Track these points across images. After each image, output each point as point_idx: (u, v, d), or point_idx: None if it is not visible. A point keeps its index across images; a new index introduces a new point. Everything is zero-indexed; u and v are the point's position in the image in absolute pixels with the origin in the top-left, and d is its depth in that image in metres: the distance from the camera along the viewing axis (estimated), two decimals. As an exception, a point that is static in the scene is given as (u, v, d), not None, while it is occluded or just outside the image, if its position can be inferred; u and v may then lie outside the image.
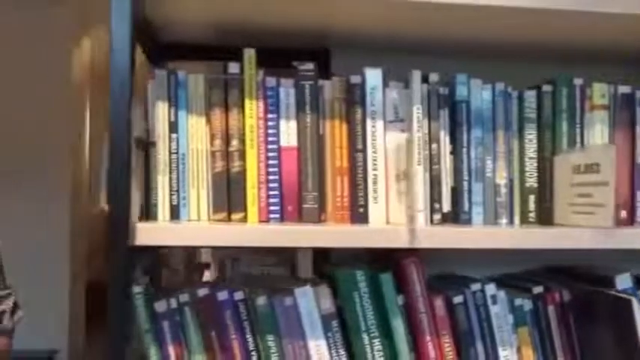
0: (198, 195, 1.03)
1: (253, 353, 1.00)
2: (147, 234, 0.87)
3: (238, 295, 1.00)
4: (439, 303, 1.05)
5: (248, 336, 1.00)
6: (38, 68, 5.45)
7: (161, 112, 1.03)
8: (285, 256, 1.53)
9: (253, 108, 1.03)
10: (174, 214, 1.02)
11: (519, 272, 1.31)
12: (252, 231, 0.97)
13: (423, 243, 0.97)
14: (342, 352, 1.03)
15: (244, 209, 1.03)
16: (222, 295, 1.00)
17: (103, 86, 7.57)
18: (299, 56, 1.21)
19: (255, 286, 1.07)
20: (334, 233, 0.97)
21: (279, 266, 1.59)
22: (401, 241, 0.95)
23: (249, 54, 1.03)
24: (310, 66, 1.06)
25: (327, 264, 1.24)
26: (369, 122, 1.06)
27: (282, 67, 1.09)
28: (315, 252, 1.29)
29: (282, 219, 1.05)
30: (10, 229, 5.08)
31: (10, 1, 5.33)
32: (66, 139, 5.73)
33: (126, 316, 0.86)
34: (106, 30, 6.27)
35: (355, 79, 1.06)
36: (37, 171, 5.36)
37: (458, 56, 1.25)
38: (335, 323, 1.03)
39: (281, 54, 1.22)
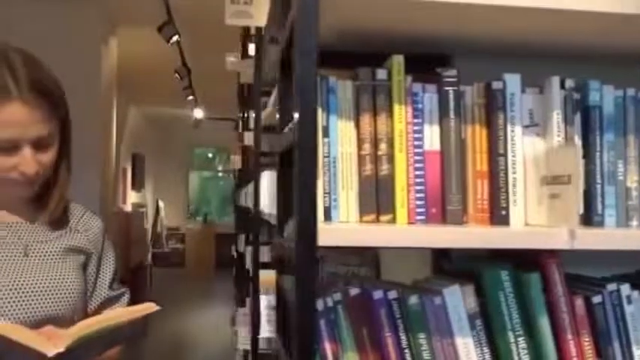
0: (347, 197, 1.07)
1: (406, 351, 1.03)
2: (329, 235, 0.90)
3: (392, 295, 1.04)
4: (579, 303, 1.09)
5: (401, 334, 1.03)
6: (72, 65, 5.48)
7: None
8: (369, 256, 1.56)
9: (402, 113, 1.07)
10: (327, 215, 1.06)
11: (633, 272, 1.34)
12: (404, 232, 1.01)
13: (577, 244, 1.00)
14: (486, 350, 1.06)
15: (393, 211, 1.06)
16: (378, 295, 1.03)
17: (129, 86, 7.56)
18: (421, 62, 1.24)
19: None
20: (480, 235, 1.01)
21: (363, 266, 1.63)
22: (559, 243, 0.99)
23: (398, 60, 1.07)
24: (454, 72, 1.09)
25: (446, 263, 1.28)
26: (509, 127, 1.10)
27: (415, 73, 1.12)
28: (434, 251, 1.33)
29: (426, 220, 1.08)
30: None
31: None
32: (98, 138, 5.80)
33: (312, 315, 0.89)
34: (134, 30, 6.32)
35: (497, 84, 1.10)
36: (78, 172, 5.38)
37: (584, 61, 1.28)
38: (479, 322, 1.06)
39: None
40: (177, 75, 6.78)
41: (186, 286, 10.57)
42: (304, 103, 0.90)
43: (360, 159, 1.07)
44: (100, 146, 5.76)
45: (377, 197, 1.06)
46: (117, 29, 6.24)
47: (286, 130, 1.17)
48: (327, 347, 1.03)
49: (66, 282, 1.27)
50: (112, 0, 5.59)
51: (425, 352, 1.03)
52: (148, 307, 1.11)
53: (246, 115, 4.35)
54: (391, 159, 1.07)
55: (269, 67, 2.55)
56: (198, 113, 9.58)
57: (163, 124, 12.31)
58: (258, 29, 3.18)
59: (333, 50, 1.18)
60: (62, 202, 1.33)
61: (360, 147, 1.07)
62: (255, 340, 2.39)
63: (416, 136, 1.08)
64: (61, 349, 0.97)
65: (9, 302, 1.17)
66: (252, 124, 3.00)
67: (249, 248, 3.48)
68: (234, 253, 5.54)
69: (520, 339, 1.06)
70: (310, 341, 0.88)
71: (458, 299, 1.05)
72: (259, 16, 2.42)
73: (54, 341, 1.00)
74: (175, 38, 5.29)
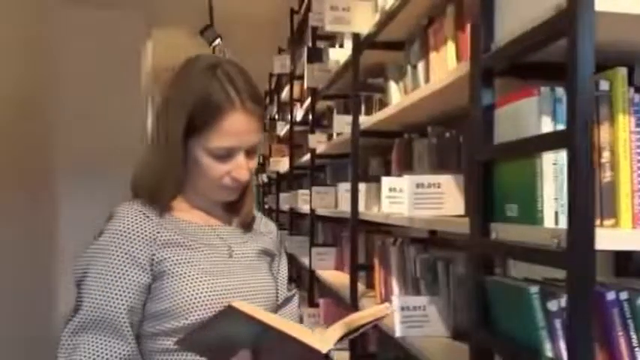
0: (573, 203, 1.11)
1: (637, 349, 1.08)
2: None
3: (623, 295, 1.09)
4: None
5: (632, 333, 1.08)
6: (115, 68, 5.51)
7: (547, 127, 1.12)
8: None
9: (625, 122, 1.12)
10: (556, 220, 1.11)
11: None
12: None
13: None
14: None
15: (616, 216, 1.11)
16: (611, 295, 1.08)
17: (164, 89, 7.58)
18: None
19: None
20: None
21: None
22: None
23: (622, 73, 1.12)
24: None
25: (631, 264, 1.33)
26: None
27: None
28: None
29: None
30: (80, 230, 5.16)
31: (92, 2, 5.39)
32: (139, 140, 5.83)
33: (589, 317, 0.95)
34: (170, 33, 6.35)
35: None
36: (107, 170, 5.43)
37: None
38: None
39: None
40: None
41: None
42: (581, 119, 0.95)
43: (585, 166, 1.12)
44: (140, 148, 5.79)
45: (601, 203, 1.11)
46: (151, 32, 6.27)
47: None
48: (562, 346, 1.08)
49: (267, 283, 1.32)
50: (148, 4, 5.63)
51: (653, 351, 1.08)
52: (383, 310, 1.16)
53: (304, 117, 4.39)
54: (614, 166, 1.12)
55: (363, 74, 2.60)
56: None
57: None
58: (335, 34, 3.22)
59: (542, 61, 1.23)
60: (253, 205, 1.37)
61: (583, 155, 1.12)
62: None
63: (637, 144, 1.13)
64: (331, 347, 1.01)
65: (222, 304, 1.21)
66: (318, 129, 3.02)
67: (319, 250, 3.53)
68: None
69: None
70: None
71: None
72: (357, 23, 2.46)
73: (320, 338, 1.04)
74: (217, 41, 5.33)
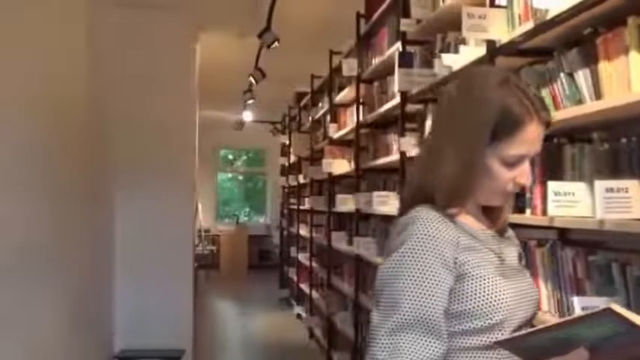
0: None
1: None
2: None
3: None
4: None
5: None
6: (168, 70, 5.55)
7: None
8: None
9: None
10: None
11: None
12: None
13: None
14: None
15: None
16: None
17: (210, 89, 7.60)
18: None
19: None
20: None
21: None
22: None
23: None
24: None
25: None
26: None
27: None
28: None
29: None
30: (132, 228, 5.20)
31: (143, 4, 5.43)
32: (192, 140, 5.86)
33: None
34: (216, 34, 6.38)
35: None
36: (165, 170, 5.47)
37: None
38: None
39: None
40: (252, 79, 6.86)
41: (231, 287, 10.61)
42: None
43: None
44: (193, 148, 5.86)
45: None
46: (200, 34, 6.30)
47: None
48: None
49: (534, 286, 1.38)
50: (196, 7, 5.65)
51: None
52: None
53: (375, 119, 4.43)
54: None
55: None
56: (248, 116, 9.65)
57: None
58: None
59: None
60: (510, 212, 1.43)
61: None
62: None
63: None
64: None
65: (519, 306, 1.27)
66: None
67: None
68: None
69: None
70: None
71: None
72: (493, 30, 2.52)
73: None
74: (276, 44, 5.36)
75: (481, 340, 1.23)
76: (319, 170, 6.40)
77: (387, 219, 4.20)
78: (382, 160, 4.26)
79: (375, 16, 4.38)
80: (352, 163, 5.33)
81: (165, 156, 5.58)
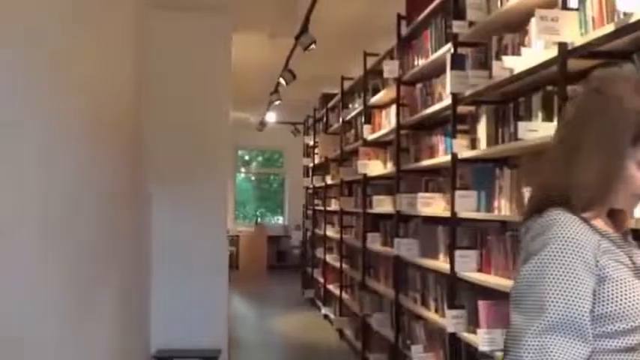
0: None
1: None
2: None
3: None
4: None
5: None
6: (207, 71, 5.57)
7: None
8: None
9: None
10: None
11: None
12: None
13: None
14: None
15: None
16: None
17: (237, 89, 7.60)
18: None
19: None
20: None
21: None
22: None
23: None
24: None
25: None
26: None
27: None
28: None
29: None
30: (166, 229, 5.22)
31: (180, 6, 5.46)
32: (228, 141, 5.88)
33: None
34: (246, 34, 6.39)
35: None
36: (201, 171, 5.50)
37: None
38: None
39: None
40: (282, 80, 6.88)
41: (252, 287, 10.62)
42: None
43: None
44: (227, 149, 5.89)
45: None
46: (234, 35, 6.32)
47: None
48: None
49: None
50: (231, 8, 5.67)
51: None
52: None
53: (420, 121, 4.44)
54: None
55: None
56: (271, 117, 9.67)
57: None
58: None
59: None
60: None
61: None
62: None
63: None
64: None
65: None
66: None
67: (461, 253, 3.58)
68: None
69: None
70: None
71: None
72: (565, 33, 2.53)
73: None
74: (313, 46, 5.37)
75: (622, 343, 1.23)
76: (351, 171, 6.41)
77: (431, 220, 4.21)
78: (426, 162, 4.26)
79: (420, 17, 4.38)
80: (388, 165, 5.34)
81: (201, 157, 5.61)
